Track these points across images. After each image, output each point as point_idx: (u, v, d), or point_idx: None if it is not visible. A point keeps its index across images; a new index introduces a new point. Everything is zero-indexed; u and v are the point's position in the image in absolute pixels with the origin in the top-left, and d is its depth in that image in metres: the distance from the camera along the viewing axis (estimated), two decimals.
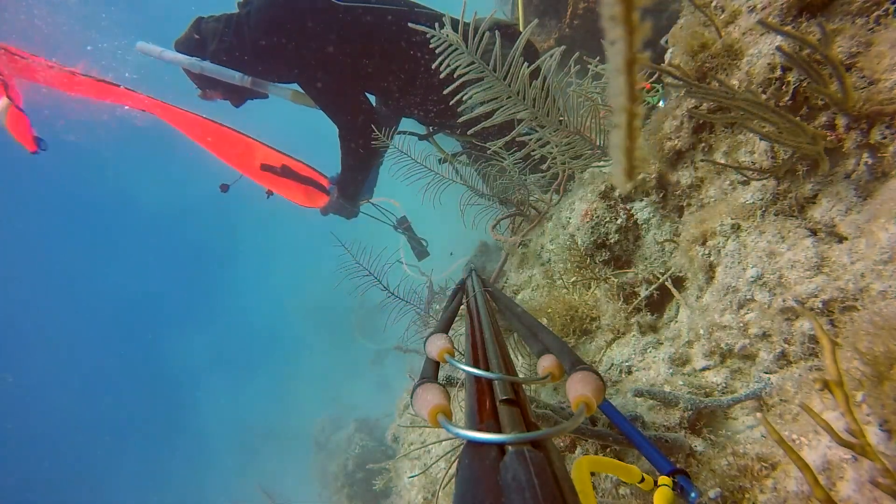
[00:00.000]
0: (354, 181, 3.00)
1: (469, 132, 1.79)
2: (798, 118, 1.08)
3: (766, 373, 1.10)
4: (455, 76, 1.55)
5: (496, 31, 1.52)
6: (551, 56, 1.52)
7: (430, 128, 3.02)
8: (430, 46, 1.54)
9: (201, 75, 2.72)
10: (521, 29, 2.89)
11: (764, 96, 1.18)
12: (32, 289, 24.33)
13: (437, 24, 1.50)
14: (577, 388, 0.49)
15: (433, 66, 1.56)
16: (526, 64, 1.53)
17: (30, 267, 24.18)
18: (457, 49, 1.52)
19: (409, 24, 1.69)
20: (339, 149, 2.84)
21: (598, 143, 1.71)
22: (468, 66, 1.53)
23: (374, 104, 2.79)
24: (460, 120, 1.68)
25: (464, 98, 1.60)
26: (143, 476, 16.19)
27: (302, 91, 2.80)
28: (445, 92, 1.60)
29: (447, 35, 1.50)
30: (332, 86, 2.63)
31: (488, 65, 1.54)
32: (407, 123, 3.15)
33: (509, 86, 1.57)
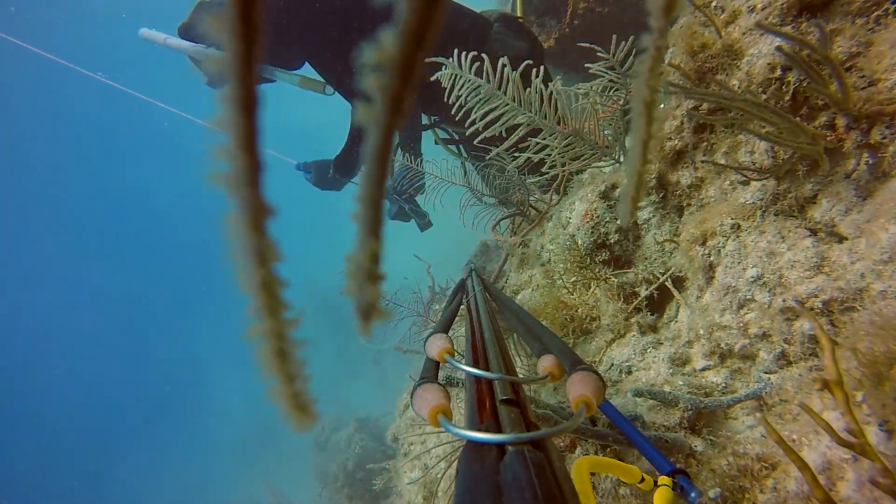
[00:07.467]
0: (353, 155, 2.96)
1: (475, 141, 1.79)
2: (798, 118, 1.08)
3: (766, 373, 1.10)
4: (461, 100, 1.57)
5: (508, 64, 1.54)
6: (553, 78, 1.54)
7: (432, 118, 3.01)
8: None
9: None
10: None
11: (764, 97, 1.18)
12: (38, 284, 24.34)
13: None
14: (577, 388, 0.49)
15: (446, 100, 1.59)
16: (542, 82, 1.55)
17: (31, 263, 24.19)
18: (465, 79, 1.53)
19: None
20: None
21: (600, 143, 1.71)
22: (474, 89, 1.55)
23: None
24: (468, 133, 1.70)
25: (469, 116, 1.62)
26: (140, 476, 16.18)
27: (308, 76, 2.75)
28: (453, 112, 1.63)
29: (451, 66, 1.51)
30: (339, 75, 2.62)
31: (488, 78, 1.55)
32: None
33: (505, 94, 1.58)
